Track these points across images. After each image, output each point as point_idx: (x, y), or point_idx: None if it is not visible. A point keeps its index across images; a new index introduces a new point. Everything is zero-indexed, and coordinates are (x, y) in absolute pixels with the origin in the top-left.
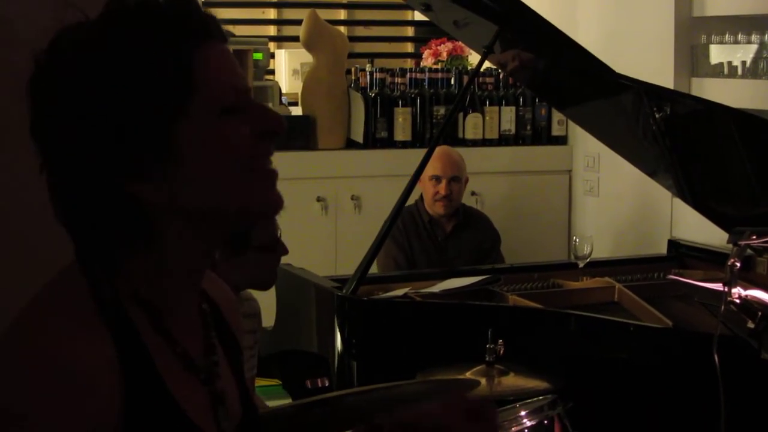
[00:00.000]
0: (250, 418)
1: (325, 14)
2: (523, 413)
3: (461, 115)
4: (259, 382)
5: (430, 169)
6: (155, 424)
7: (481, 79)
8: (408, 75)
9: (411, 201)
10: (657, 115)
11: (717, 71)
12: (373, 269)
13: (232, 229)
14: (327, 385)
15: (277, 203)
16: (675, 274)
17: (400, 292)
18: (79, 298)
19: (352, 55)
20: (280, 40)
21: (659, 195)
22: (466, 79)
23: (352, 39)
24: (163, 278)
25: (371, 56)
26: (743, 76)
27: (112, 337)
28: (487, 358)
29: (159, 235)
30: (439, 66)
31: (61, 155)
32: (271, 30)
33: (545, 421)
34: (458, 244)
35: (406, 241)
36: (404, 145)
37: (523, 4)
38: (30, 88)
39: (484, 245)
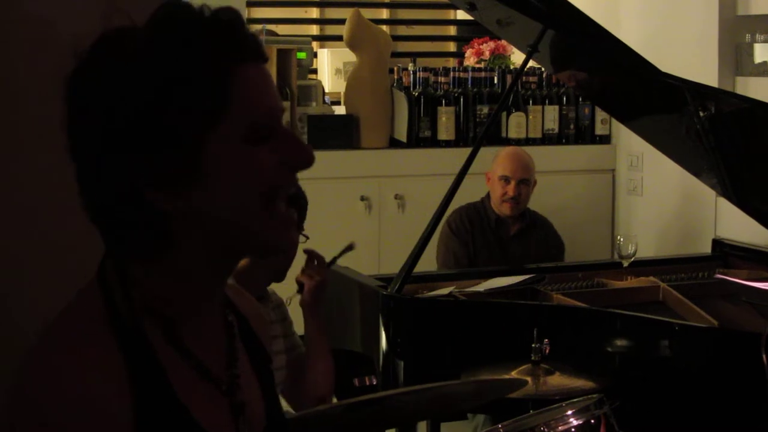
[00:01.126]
0: (277, 424)
1: (367, 13)
2: (569, 413)
3: (504, 114)
4: None
5: (500, 169)
6: None
7: (524, 78)
8: (451, 74)
9: (473, 198)
10: (701, 114)
11: (761, 70)
12: (420, 267)
13: (244, 250)
14: (375, 383)
15: (289, 244)
16: (721, 273)
17: (444, 291)
18: (93, 318)
19: (394, 55)
20: (322, 39)
21: (703, 194)
22: (509, 78)
23: (395, 38)
24: (178, 289)
25: (413, 55)
26: None
27: (123, 353)
28: (532, 358)
29: (175, 245)
30: (482, 65)
31: (89, 155)
32: (314, 29)
33: (592, 421)
34: (524, 247)
35: (470, 237)
36: (447, 144)
37: (568, 3)
38: (68, 85)
39: (551, 251)
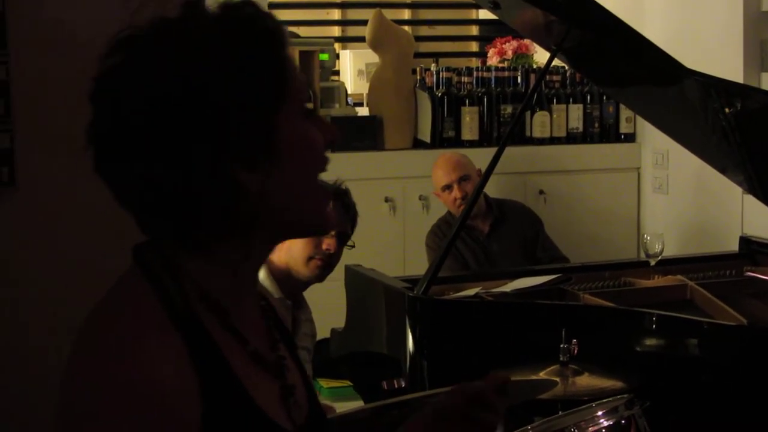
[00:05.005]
0: (316, 409)
1: (389, 14)
2: (599, 413)
3: (528, 113)
4: (330, 383)
5: (438, 181)
6: (235, 422)
7: (548, 76)
8: (474, 74)
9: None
10: (727, 111)
11: None
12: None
13: (293, 233)
14: (403, 386)
15: (331, 224)
16: (749, 271)
17: (471, 291)
18: (147, 304)
19: (417, 55)
20: (344, 40)
21: (730, 191)
22: (532, 77)
23: (417, 39)
24: (231, 276)
25: (436, 56)
26: None
27: (183, 340)
28: (561, 358)
29: (241, 228)
30: (505, 64)
31: (169, 143)
32: (336, 31)
33: (622, 421)
34: (501, 241)
35: (454, 248)
36: (472, 144)
37: (592, 1)
38: (134, 64)
39: (527, 234)
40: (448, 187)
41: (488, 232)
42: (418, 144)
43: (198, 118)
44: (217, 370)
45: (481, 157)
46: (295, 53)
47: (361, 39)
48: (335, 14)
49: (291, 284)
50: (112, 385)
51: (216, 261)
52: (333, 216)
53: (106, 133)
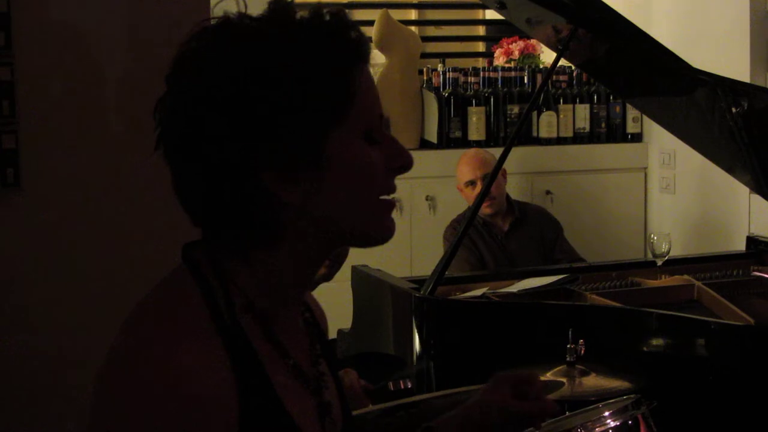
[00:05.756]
0: (349, 428)
1: (396, 14)
2: (606, 413)
3: (535, 113)
4: None
5: (462, 177)
6: None
7: (555, 76)
8: (481, 74)
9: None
10: (733, 110)
11: None
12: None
13: (345, 244)
14: (410, 386)
15: (391, 232)
16: (756, 271)
17: (478, 292)
18: (193, 309)
19: (424, 56)
20: None
21: (737, 191)
22: (539, 77)
23: (423, 39)
24: (276, 283)
25: (442, 56)
26: None
27: (225, 349)
28: (567, 358)
29: (285, 237)
30: (511, 64)
31: (212, 142)
32: None
33: (630, 422)
34: (520, 240)
35: (471, 242)
36: (479, 144)
37: (599, 0)
38: (187, 72)
39: (548, 236)
40: (471, 183)
41: (507, 230)
42: (424, 144)
43: (247, 114)
44: (257, 383)
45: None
46: None
47: (368, 39)
48: None
49: None
50: (149, 392)
51: (261, 268)
52: (392, 228)
53: (170, 115)
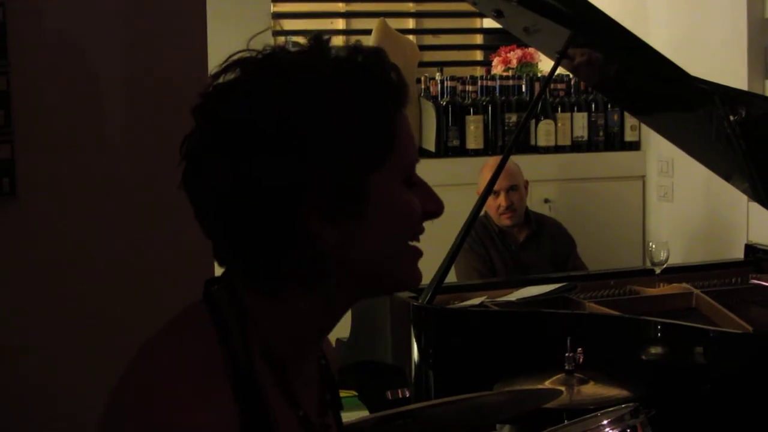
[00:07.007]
0: None
1: (393, 23)
2: (605, 422)
3: (533, 122)
4: None
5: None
6: None
7: (552, 85)
8: (479, 83)
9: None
10: (731, 118)
11: None
12: (450, 278)
13: (374, 288)
14: (408, 396)
15: (419, 280)
16: (755, 279)
17: (476, 301)
18: (208, 350)
19: (421, 64)
20: None
21: (735, 198)
22: (537, 85)
23: (421, 48)
24: (301, 330)
25: (440, 65)
26: None
27: (234, 396)
28: (566, 367)
29: (317, 279)
30: (509, 73)
31: (252, 178)
32: (340, 40)
33: (628, 430)
34: (534, 253)
35: (484, 250)
36: (477, 153)
37: (596, 9)
38: (228, 105)
39: (562, 251)
40: (495, 193)
41: (522, 241)
42: (422, 153)
43: (296, 151)
44: (263, 429)
45: None
46: None
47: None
48: (339, 24)
49: None
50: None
51: (288, 310)
52: (420, 277)
53: (196, 147)
